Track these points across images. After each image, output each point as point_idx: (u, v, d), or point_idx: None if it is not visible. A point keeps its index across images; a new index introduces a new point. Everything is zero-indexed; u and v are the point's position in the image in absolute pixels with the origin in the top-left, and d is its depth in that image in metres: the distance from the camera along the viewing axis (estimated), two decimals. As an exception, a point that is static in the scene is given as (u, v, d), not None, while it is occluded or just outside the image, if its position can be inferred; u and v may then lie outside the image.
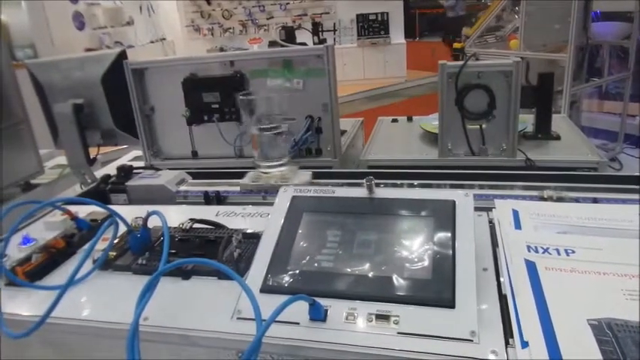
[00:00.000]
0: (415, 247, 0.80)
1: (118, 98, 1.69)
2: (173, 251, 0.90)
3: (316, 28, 3.88)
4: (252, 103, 1.31)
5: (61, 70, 1.70)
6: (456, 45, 4.53)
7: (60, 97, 1.65)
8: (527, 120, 1.88)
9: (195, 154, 1.85)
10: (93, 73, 1.65)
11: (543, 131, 1.84)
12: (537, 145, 1.78)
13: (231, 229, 0.98)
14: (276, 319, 0.65)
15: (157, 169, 1.43)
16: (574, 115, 4.34)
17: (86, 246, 1.00)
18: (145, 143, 1.85)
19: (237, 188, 1.30)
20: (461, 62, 1.64)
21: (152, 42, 8.26)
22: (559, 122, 1.98)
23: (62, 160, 2.15)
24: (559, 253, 0.80)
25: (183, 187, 1.33)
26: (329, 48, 1.62)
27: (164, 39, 8.41)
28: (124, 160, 2.01)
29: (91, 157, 1.63)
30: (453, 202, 0.85)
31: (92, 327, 0.79)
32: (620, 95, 4.75)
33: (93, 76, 1.64)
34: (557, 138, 1.83)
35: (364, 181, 0.88)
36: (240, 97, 1.34)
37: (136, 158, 2.00)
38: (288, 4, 7.35)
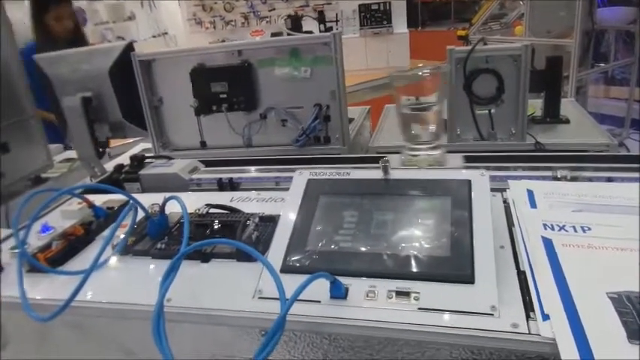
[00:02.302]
0: (433, 225, 0.81)
1: (125, 90, 1.69)
2: (191, 236, 0.91)
3: (322, 17, 3.87)
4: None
5: (69, 63, 1.70)
6: (460, 32, 4.51)
7: (68, 91, 1.66)
8: (535, 105, 1.87)
9: (203, 145, 1.85)
10: (100, 66, 1.65)
11: (552, 115, 1.84)
12: (546, 129, 1.77)
13: (248, 213, 0.99)
14: (297, 298, 0.66)
15: (170, 158, 1.44)
16: (580, 100, 4.33)
17: (105, 232, 1.02)
18: (154, 135, 1.85)
19: (249, 175, 1.30)
20: (468, 47, 1.64)
21: (154, 36, 8.26)
22: (568, 106, 1.97)
23: (70, 154, 2.17)
24: (575, 230, 0.80)
25: (195, 175, 1.34)
26: (336, 35, 1.62)
27: (166, 33, 8.40)
28: (131, 153, 2.02)
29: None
30: (469, 181, 0.85)
31: (115, 309, 0.81)
32: (626, 81, 4.73)
33: (101, 69, 1.65)
34: (567, 122, 1.83)
35: (379, 162, 0.89)
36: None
37: (142, 151, 2.01)
38: (290, -5, 7.32)
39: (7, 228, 1.23)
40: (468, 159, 1.28)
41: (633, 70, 4.41)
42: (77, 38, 2.76)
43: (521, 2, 4.50)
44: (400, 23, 7.14)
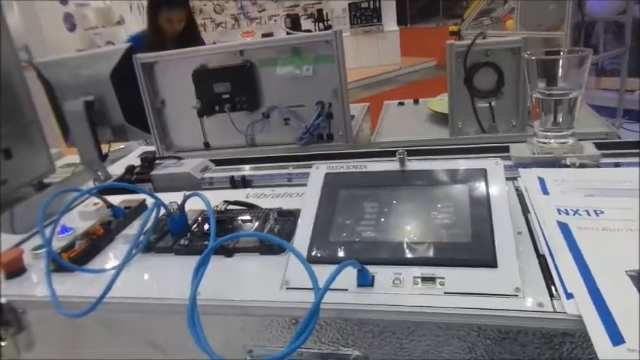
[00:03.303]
0: (453, 213, 0.83)
1: (127, 93, 1.70)
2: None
3: (320, 15, 3.89)
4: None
5: (70, 67, 1.71)
6: (452, 28, 4.56)
7: (70, 95, 1.67)
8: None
9: (207, 145, 1.86)
10: (102, 70, 1.66)
11: (551, 106, 1.87)
12: (546, 120, 1.80)
13: (266, 208, 1.01)
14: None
15: (180, 158, 1.46)
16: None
17: (124, 231, 1.04)
18: (157, 137, 1.87)
19: (261, 172, 1.32)
20: (468, 42, 1.67)
21: (144, 40, 8.25)
22: (564, 97, 2.00)
23: (71, 159, 2.18)
24: (589, 214, 0.83)
25: (207, 174, 1.36)
26: (337, 33, 1.64)
27: (156, 36, 8.41)
28: (133, 156, 2.02)
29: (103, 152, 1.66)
30: (485, 170, 0.88)
31: (146, 304, 0.82)
32: (616, 71, 4.79)
33: (102, 73, 1.65)
34: (566, 112, 1.86)
35: (396, 154, 0.92)
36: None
37: (143, 154, 2.02)
38: (279, -5, 7.33)
39: (13, 233, 1.25)
40: (473, 150, 1.30)
41: (624, 60, 4.47)
42: (187, 38, 2.80)
43: (511, -3, 4.56)
44: (390, 21, 7.18)
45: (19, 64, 1.88)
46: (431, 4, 8.88)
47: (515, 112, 1.69)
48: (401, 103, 2.27)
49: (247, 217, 0.99)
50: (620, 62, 4.56)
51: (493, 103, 1.70)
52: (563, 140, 1.15)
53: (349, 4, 6.98)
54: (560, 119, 1.16)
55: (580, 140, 1.16)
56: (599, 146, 1.14)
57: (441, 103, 1.94)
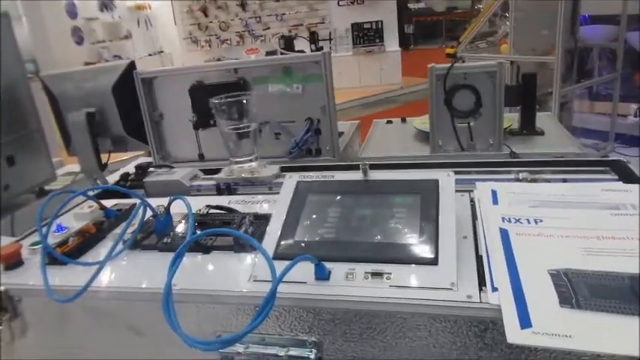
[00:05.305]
0: (405, 218, 0.93)
1: (127, 106, 1.80)
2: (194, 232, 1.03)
3: (314, 37, 4.04)
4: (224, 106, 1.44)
5: (74, 81, 1.82)
6: (449, 50, 4.68)
7: (73, 107, 1.77)
8: (512, 119, 2.00)
9: (201, 157, 1.94)
10: (104, 83, 1.76)
11: (528, 127, 1.97)
12: (522, 141, 1.90)
13: (243, 212, 1.11)
14: (286, 280, 0.77)
15: (171, 167, 1.56)
16: (565, 115, 4.48)
17: (115, 230, 1.14)
18: (154, 148, 1.96)
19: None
20: (448, 65, 1.77)
21: (150, 55, 8.41)
22: (544, 120, 2.10)
23: (71, 168, 2.27)
24: (529, 222, 0.92)
25: (196, 182, 1.46)
26: (326, 54, 1.73)
27: (162, 51, 8.56)
28: (130, 167, 2.11)
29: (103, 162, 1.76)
30: (437, 181, 0.98)
31: (127, 292, 0.92)
32: (610, 96, 4.89)
33: (104, 86, 1.76)
34: (542, 133, 1.95)
35: (360, 165, 1.01)
36: (214, 101, 1.45)
37: (138, 163, 2.11)
38: (284, 14, 7.48)
39: (13, 236, 1.34)
40: (446, 165, 1.40)
41: (615, 85, 4.57)
42: None
43: (507, 22, 4.68)
44: (392, 41, 7.30)
45: (25, 76, 1.98)
46: (434, 25, 9.02)
47: (492, 132, 1.79)
48: (389, 122, 2.36)
49: (226, 220, 1.09)
50: (613, 87, 4.66)
51: (472, 123, 1.79)
52: (247, 165, 1.45)
53: (352, 25, 7.13)
54: (241, 148, 1.45)
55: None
56: (552, 164, 1.24)
57: (424, 121, 2.04)
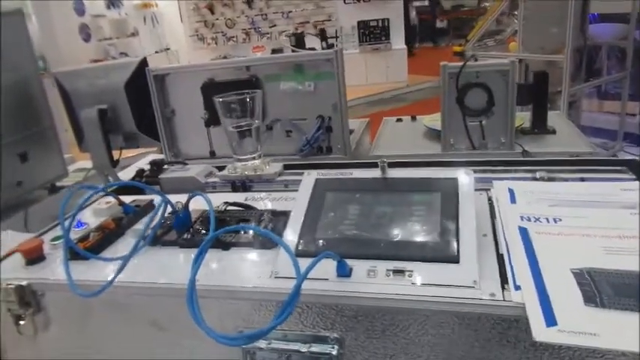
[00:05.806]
0: (425, 216, 0.94)
1: (139, 103, 1.81)
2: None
3: (324, 34, 4.05)
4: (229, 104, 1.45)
5: (87, 77, 1.83)
6: (456, 48, 4.68)
7: (85, 104, 1.77)
8: (524, 117, 2.01)
9: (212, 154, 1.96)
10: (117, 80, 1.77)
11: (539, 126, 1.97)
12: (534, 139, 1.90)
13: (262, 209, 1.12)
14: (308, 276, 0.78)
15: (185, 164, 1.57)
16: (574, 114, 4.47)
17: (134, 226, 1.15)
18: (166, 144, 1.97)
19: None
20: (460, 63, 1.77)
21: (157, 52, 8.42)
22: (555, 118, 2.10)
23: (83, 164, 2.28)
24: (548, 221, 0.93)
25: (211, 179, 1.46)
26: (338, 52, 1.73)
27: (168, 49, 8.57)
28: (141, 163, 2.12)
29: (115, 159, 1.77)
30: (456, 179, 0.99)
31: (151, 287, 0.93)
32: (619, 95, 4.87)
33: (117, 83, 1.76)
34: (553, 132, 1.96)
35: (378, 162, 1.02)
36: (218, 99, 1.45)
37: (152, 160, 2.11)
38: (290, 12, 7.49)
39: (27, 232, 1.35)
40: (460, 164, 1.40)
41: (625, 84, 4.55)
42: None
43: (515, 20, 4.67)
44: (398, 39, 7.30)
45: (38, 72, 1.99)
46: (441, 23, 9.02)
47: (504, 131, 1.79)
48: (399, 120, 2.37)
49: (244, 217, 1.09)
50: (622, 86, 4.65)
51: (483, 122, 1.80)
52: (251, 162, 1.46)
53: (358, 22, 7.13)
54: (244, 145, 1.46)
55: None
56: (570, 163, 1.24)
57: (434, 119, 2.04)
